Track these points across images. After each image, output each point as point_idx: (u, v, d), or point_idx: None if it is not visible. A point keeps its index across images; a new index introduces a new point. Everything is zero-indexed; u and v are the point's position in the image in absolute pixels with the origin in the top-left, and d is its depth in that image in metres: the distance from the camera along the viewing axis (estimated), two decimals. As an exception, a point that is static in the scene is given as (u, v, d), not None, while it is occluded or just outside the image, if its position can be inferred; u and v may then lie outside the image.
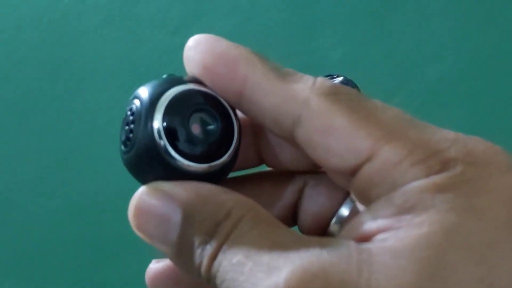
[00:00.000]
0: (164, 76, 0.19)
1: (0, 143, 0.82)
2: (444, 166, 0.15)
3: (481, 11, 0.72)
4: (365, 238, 0.15)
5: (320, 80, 0.17)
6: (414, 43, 0.73)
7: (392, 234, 0.15)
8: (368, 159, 0.16)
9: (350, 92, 0.17)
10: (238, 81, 0.17)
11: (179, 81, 0.18)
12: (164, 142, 0.17)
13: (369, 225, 0.16)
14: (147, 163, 0.17)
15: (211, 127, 0.17)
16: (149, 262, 0.22)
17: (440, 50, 0.73)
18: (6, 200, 0.82)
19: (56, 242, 0.74)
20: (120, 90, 0.80)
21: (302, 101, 0.16)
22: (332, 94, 0.17)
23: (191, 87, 0.18)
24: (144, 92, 0.19)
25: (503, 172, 0.16)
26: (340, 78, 0.45)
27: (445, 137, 0.16)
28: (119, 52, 0.79)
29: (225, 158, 0.17)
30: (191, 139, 0.17)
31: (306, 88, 0.17)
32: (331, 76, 0.45)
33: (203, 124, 0.17)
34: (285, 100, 0.17)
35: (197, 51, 0.18)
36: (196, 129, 0.17)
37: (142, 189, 0.17)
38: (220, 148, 0.17)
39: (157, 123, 0.17)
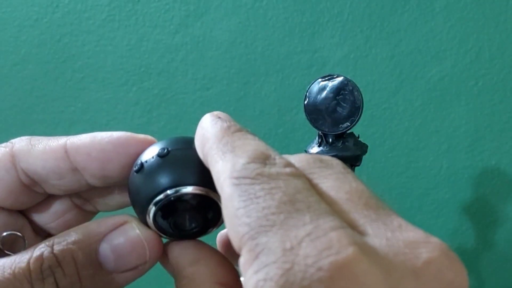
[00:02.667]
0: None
1: (0, 143, 0.82)
2: (264, 284, 0.15)
3: (482, 11, 0.72)
4: None
5: (238, 161, 0.18)
6: (415, 44, 0.73)
7: None
8: (239, 251, 0.17)
9: (250, 176, 0.17)
10: None
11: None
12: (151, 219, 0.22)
13: None
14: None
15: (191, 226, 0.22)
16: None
17: (441, 51, 0.73)
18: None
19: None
20: (121, 90, 0.80)
21: (221, 183, 0.18)
22: (236, 178, 0.17)
23: (189, 191, 0.21)
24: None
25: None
26: (340, 78, 0.45)
27: (285, 246, 0.16)
28: (121, 52, 0.79)
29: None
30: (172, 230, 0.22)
31: (227, 170, 0.18)
32: (331, 76, 0.45)
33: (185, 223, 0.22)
34: (216, 180, 0.19)
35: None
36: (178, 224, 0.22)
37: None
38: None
39: (152, 212, 0.22)
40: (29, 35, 0.81)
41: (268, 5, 0.75)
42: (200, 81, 0.78)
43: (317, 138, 0.48)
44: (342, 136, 0.47)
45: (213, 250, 0.21)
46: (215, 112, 0.21)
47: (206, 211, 0.22)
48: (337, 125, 0.45)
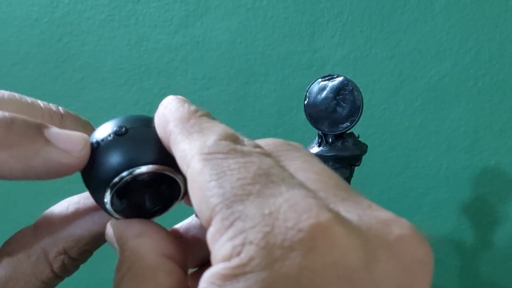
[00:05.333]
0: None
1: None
2: (242, 248, 0.15)
3: (482, 11, 0.72)
4: None
5: (208, 139, 0.18)
6: (415, 44, 0.73)
7: None
8: (208, 224, 0.16)
9: (223, 151, 0.18)
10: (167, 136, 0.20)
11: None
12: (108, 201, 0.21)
13: None
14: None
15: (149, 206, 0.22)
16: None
17: (441, 51, 0.73)
18: (6, 200, 0.82)
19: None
20: (121, 89, 0.80)
21: (188, 160, 0.18)
22: (207, 154, 0.17)
23: (148, 169, 0.20)
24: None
25: (290, 257, 0.15)
26: (340, 78, 0.45)
27: (263, 211, 0.16)
28: (120, 51, 0.79)
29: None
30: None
31: (195, 148, 0.18)
32: (331, 76, 0.45)
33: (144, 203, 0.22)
34: (180, 158, 0.19)
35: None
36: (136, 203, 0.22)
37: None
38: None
39: (108, 196, 0.20)
40: (29, 35, 0.81)
41: (268, 5, 0.75)
42: (200, 81, 0.78)
43: (317, 138, 0.48)
44: (342, 136, 0.47)
45: (158, 225, 0.21)
46: (180, 97, 0.21)
47: (164, 190, 0.21)
48: (337, 125, 0.45)
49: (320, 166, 0.19)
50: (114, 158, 0.20)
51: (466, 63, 0.72)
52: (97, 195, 0.21)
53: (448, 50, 0.72)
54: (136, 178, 0.20)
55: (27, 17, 0.81)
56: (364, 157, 0.49)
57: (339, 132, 0.46)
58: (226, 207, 0.16)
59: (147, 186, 0.21)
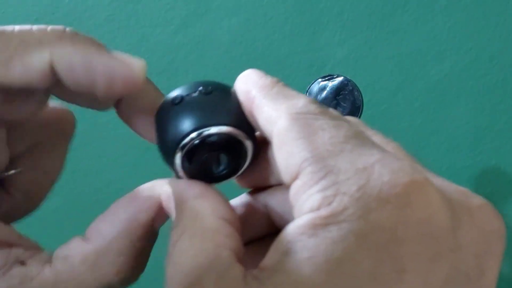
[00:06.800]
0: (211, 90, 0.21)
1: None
2: (334, 198, 0.16)
3: (482, 11, 0.72)
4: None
5: (298, 102, 0.18)
6: (415, 44, 0.73)
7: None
8: (293, 179, 0.17)
9: (314, 112, 0.18)
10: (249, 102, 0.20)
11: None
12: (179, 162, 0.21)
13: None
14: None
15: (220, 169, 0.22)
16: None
17: (441, 51, 0.73)
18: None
19: (56, 241, 0.74)
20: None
21: (274, 119, 0.18)
22: (296, 113, 0.18)
23: (221, 130, 0.20)
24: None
25: (385, 209, 0.16)
26: (340, 78, 0.45)
27: (357, 166, 0.16)
28: (121, 51, 0.79)
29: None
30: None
31: (282, 109, 0.18)
32: (331, 76, 0.45)
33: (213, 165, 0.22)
34: (265, 119, 0.19)
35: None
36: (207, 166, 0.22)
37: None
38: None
39: (179, 154, 0.21)
40: (30, 35, 0.81)
41: (268, 5, 0.75)
42: (200, 81, 0.78)
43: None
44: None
45: (217, 190, 0.21)
46: (259, 70, 0.21)
47: (235, 153, 0.21)
48: (337, 125, 0.45)
49: (395, 143, 0.20)
50: (196, 113, 0.20)
51: (466, 63, 0.72)
52: (168, 153, 0.21)
53: (448, 50, 0.72)
54: (207, 140, 0.20)
55: (27, 17, 0.81)
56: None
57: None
58: (317, 162, 0.16)
59: (217, 148, 0.21)
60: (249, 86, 0.20)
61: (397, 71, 0.73)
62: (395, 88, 0.74)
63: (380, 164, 0.16)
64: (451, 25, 0.72)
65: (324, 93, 0.45)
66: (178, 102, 0.21)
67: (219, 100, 0.21)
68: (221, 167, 0.22)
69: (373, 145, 0.17)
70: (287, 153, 0.17)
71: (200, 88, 0.21)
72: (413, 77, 0.73)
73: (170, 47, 0.78)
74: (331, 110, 0.19)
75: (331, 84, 0.45)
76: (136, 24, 0.79)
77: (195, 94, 0.21)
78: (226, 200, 0.21)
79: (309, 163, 0.16)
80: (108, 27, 0.79)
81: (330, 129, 0.17)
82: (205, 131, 0.20)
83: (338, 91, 0.45)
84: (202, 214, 0.19)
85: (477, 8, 0.71)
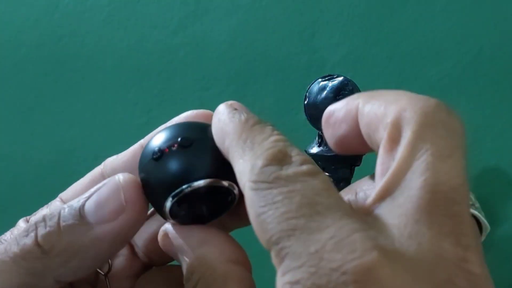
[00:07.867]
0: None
1: (1, 143, 0.82)
2: (291, 287, 0.16)
3: (482, 11, 0.72)
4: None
5: (256, 164, 0.18)
6: (415, 44, 0.73)
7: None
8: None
9: (267, 180, 0.18)
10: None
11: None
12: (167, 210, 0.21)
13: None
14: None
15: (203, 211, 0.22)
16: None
17: (441, 51, 0.73)
18: (6, 200, 0.82)
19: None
20: (121, 90, 0.80)
21: (243, 185, 0.18)
22: (254, 182, 0.18)
23: (206, 183, 0.21)
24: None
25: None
26: (340, 78, 0.45)
27: (309, 250, 0.16)
28: (120, 52, 0.79)
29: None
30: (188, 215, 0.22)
31: (247, 172, 0.18)
32: (331, 76, 0.45)
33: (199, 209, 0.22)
34: (238, 179, 0.19)
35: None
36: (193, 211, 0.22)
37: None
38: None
39: (169, 203, 0.21)
40: (29, 35, 0.81)
41: (268, 5, 0.75)
42: (199, 82, 0.78)
43: (317, 138, 0.48)
44: (342, 136, 0.47)
45: (218, 230, 0.21)
46: (230, 102, 0.21)
47: (222, 199, 0.22)
48: (337, 125, 0.45)
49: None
50: (178, 169, 0.20)
51: (466, 63, 0.72)
52: (157, 201, 0.21)
53: (448, 50, 0.72)
54: (196, 190, 0.21)
55: (27, 17, 0.81)
56: (364, 157, 0.49)
57: (339, 132, 0.45)
58: (275, 243, 0.16)
59: (205, 195, 0.22)
60: (223, 132, 0.20)
61: (397, 71, 0.73)
62: (395, 88, 0.74)
63: (332, 243, 0.16)
64: (451, 25, 0.72)
65: (324, 93, 0.45)
66: (158, 157, 0.21)
67: (208, 148, 0.21)
68: (209, 210, 0.22)
69: (329, 209, 0.17)
70: (257, 228, 0.17)
71: (179, 140, 0.21)
72: (413, 77, 0.73)
73: (169, 48, 0.78)
74: (294, 158, 0.18)
75: (331, 84, 0.45)
76: (135, 24, 0.79)
77: (174, 149, 0.21)
78: (229, 238, 0.21)
79: (271, 244, 0.16)
80: (107, 28, 0.79)
81: (284, 200, 0.17)
82: (196, 182, 0.20)
83: (338, 91, 0.45)
84: (210, 262, 0.20)
85: (477, 8, 0.71)
